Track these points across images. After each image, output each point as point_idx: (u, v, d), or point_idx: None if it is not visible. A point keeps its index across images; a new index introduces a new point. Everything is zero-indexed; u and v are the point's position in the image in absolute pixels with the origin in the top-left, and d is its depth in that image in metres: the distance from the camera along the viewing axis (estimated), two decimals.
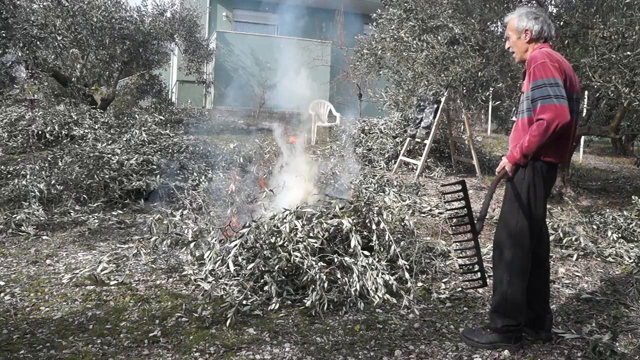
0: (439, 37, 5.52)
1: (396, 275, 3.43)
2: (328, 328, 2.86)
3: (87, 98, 9.80)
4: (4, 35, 6.26)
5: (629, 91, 4.53)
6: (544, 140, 2.46)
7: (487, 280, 2.94)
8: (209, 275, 3.39)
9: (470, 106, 6.44)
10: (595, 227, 4.82)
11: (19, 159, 6.95)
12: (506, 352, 2.63)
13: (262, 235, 3.37)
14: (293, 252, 3.22)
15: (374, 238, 3.62)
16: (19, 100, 9.82)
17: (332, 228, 3.57)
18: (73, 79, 9.68)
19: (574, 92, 2.59)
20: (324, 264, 3.33)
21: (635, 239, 4.61)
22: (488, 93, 5.94)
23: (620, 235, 4.65)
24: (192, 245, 3.71)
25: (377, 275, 3.32)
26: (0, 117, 8.31)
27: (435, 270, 3.79)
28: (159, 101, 11.62)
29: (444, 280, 3.62)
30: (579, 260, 4.16)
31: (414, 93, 7.22)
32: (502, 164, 2.65)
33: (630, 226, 4.76)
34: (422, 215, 5.41)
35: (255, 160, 6.58)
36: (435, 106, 7.62)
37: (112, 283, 3.37)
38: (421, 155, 7.67)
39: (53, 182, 5.22)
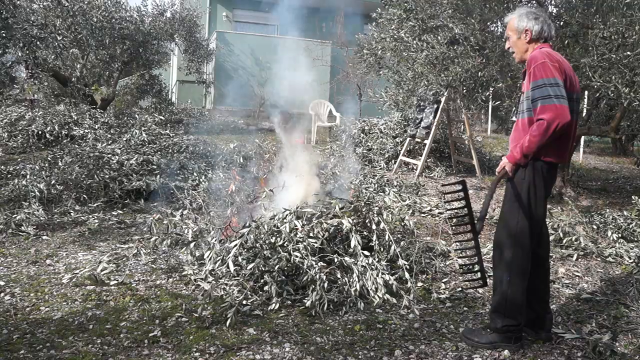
0: (439, 37, 5.52)
1: (396, 275, 3.43)
2: (328, 328, 2.86)
3: (87, 98, 9.80)
4: (4, 35, 6.26)
5: (629, 91, 4.53)
6: (545, 140, 2.46)
7: (487, 280, 2.94)
8: (209, 275, 3.39)
9: (470, 106, 6.45)
10: (595, 227, 4.82)
11: (19, 159, 6.95)
12: (506, 352, 2.63)
13: (262, 235, 3.37)
14: (293, 252, 3.22)
15: (374, 238, 3.62)
16: (19, 100, 9.82)
17: (332, 228, 3.57)
18: (73, 79, 9.68)
19: (574, 92, 2.59)
20: (324, 264, 3.33)
21: (635, 239, 4.60)
22: (488, 93, 5.94)
23: (620, 235, 4.65)
24: (192, 245, 3.71)
25: (377, 275, 3.32)
26: (0, 117, 8.31)
27: (435, 270, 3.79)
28: (159, 101, 11.63)
29: (444, 280, 3.62)
30: (579, 260, 4.16)
31: (414, 93, 7.22)
32: (502, 164, 2.65)
33: (630, 226, 4.76)
34: (422, 215, 5.41)
35: (256, 160, 6.58)
36: (435, 106, 7.62)
37: (112, 283, 3.37)
38: (421, 155, 7.67)
39: (53, 182, 5.22)
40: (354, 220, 3.66)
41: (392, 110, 8.34)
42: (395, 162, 8.02)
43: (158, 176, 5.64)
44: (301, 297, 3.14)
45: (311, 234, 3.44)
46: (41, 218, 4.58)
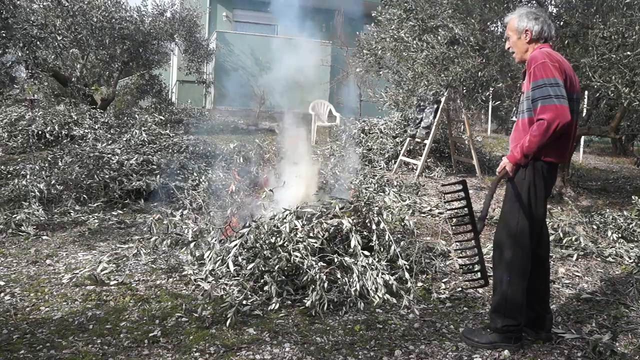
0: (439, 37, 5.52)
1: (396, 275, 3.43)
2: (328, 328, 2.86)
3: (87, 98, 9.80)
4: (4, 35, 6.26)
5: (629, 91, 4.53)
6: (545, 140, 2.46)
7: (489, 279, 2.94)
8: (209, 275, 3.39)
9: (470, 106, 6.45)
10: (595, 227, 4.82)
11: (19, 159, 6.95)
12: (506, 352, 2.63)
13: (262, 235, 3.37)
14: (293, 252, 3.22)
15: (374, 238, 3.62)
16: (19, 100, 9.82)
17: (332, 228, 3.57)
18: (73, 79, 9.68)
19: (574, 92, 2.59)
20: (324, 264, 3.33)
21: (635, 239, 4.60)
22: (488, 93, 5.94)
23: (620, 235, 4.65)
24: (192, 245, 3.71)
25: (377, 275, 3.32)
26: (0, 117, 8.31)
27: (435, 270, 3.79)
28: (159, 101, 11.62)
29: (444, 280, 3.62)
30: (579, 260, 4.16)
31: (414, 93, 7.22)
32: (503, 164, 2.65)
33: (630, 226, 4.76)
34: (422, 215, 5.41)
35: (256, 160, 6.58)
36: (435, 106, 7.62)
37: (112, 283, 3.37)
38: (421, 155, 7.67)
39: (53, 182, 5.22)
40: (354, 220, 3.66)
41: (392, 110, 8.34)
42: (395, 162, 8.02)
43: (158, 176, 5.63)
44: (301, 297, 3.14)
45: (311, 234, 3.44)
46: (41, 218, 4.58)
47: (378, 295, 3.22)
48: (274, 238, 3.35)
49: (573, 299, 3.41)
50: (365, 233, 3.71)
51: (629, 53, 4.54)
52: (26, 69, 8.45)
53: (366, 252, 3.45)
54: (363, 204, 3.83)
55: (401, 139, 8.34)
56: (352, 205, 3.79)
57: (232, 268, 3.23)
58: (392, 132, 8.70)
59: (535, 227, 2.66)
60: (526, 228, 2.61)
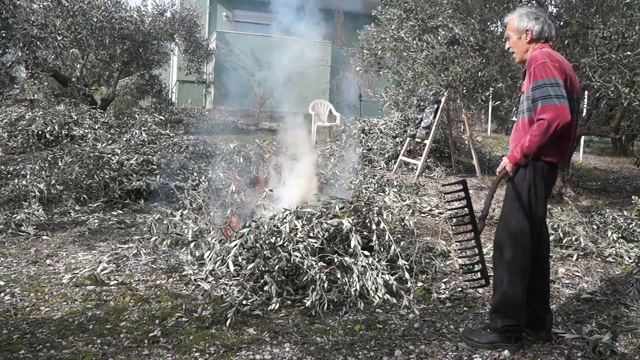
0: (439, 37, 5.52)
1: (396, 275, 3.43)
2: (328, 328, 2.86)
3: (87, 98, 9.80)
4: (4, 35, 6.26)
5: (629, 91, 4.53)
6: (545, 140, 2.46)
7: (489, 279, 2.94)
8: (209, 275, 3.39)
9: (470, 106, 6.45)
10: (595, 227, 4.82)
11: (19, 159, 6.95)
12: (506, 352, 2.63)
13: (262, 235, 3.37)
14: (293, 252, 3.22)
15: (374, 238, 3.62)
16: (19, 100, 9.82)
17: (332, 228, 3.57)
18: (73, 79, 9.68)
19: (574, 92, 2.59)
20: (324, 264, 3.33)
21: (635, 239, 4.60)
22: (488, 93, 5.94)
23: (620, 235, 4.65)
24: (192, 245, 3.71)
25: (377, 275, 3.32)
26: (0, 117, 8.31)
27: (435, 270, 3.79)
28: (159, 101, 11.63)
29: (444, 280, 3.62)
30: (579, 260, 4.16)
31: (414, 93, 7.22)
32: (503, 164, 2.65)
33: (630, 226, 4.76)
34: (422, 215, 5.41)
35: (256, 160, 6.58)
36: (435, 106, 7.62)
37: (112, 283, 3.37)
38: (421, 155, 7.67)
39: (53, 182, 5.22)
40: (354, 220, 3.66)
41: (392, 110, 8.34)
42: (395, 162, 8.02)
43: (158, 176, 5.64)
44: (301, 297, 3.14)
45: (311, 234, 3.44)
46: (41, 218, 4.58)
47: (378, 295, 3.22)
48: (274, 238, 3.35)
49: (573, 299, 3.41)
50: (365, 233, 3.71)
51: (629, 53, 4.54)
52: (26, 69, 8.45)
53: (366, 252, 3.45)
54: (363, 204, 3.83)
55: (401, 139, 8.34)
56: (352, 205, 3.79)
57: (232, 268, 3.23)
58: (392, 132, 8.70)
59: (536, 227, 2.66)
60: (526, 228, 2.61)
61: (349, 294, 3.16)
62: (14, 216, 4.48)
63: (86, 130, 7.40)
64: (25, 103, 9.46)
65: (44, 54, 8.21)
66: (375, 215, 3.76)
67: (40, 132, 7.61)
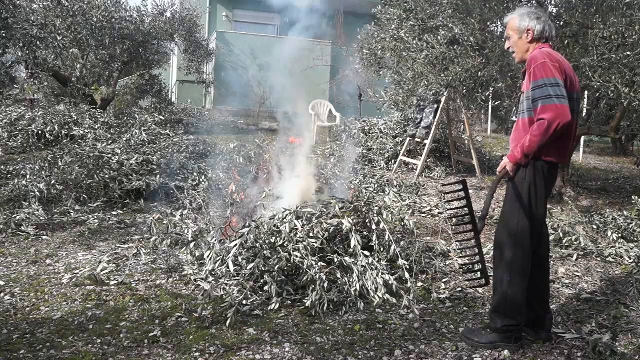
0: (439, 37, 5.52)
1: (396, 275, 3.43)
2: (328, 328, 2.86)
3: (87, 98, 9.80)
4: (4, 35, 6.26)
5: (629, 91, 4.53)
6: (545, 140, 2.46)
7: (489, 278, 2.94)
8: (209, 275, 3.39)
9: (470, 106, 6.45)
10: (595, 227, 4.82)
11: (19, 159, 6.95)
12: (506, 352, 2.63)
13: (262, 235, 3.37)
14: (293, 252, 3.22)
15: (374, 238, 3.62)
16: (19, 100, 9.81)
17: (332, 228, 3.57)
18: (73, 79, 9.67)
19: (574, 92, 2.59)
20: (324, 264, 3.33)
21: (635, 239, 4.60)
22: (488, 93, 5.94)
23: (620, 235, 4.65)
24: (192, 245, 3.71)
25: (377, 275, 3.32)
26: (0, 117, 8.31)
27: (435, 270, 3.79)
28: (159, 101, 11.62)
29: (444, 280, 3.62)
30: (579, 260, 4.16)
31: (414, 93, 7.22)
32: (503, 164, 2.66)
33: (630, 226, 4.76)
34: (422, 215, 5.41)
35: (256, 160, 6.58)
36: (435, 106, 7.62)
37: (112, 283, 3.37)
38: (421, 155, 7.67)
39: (53, 182, 5.22)
40: (354, 220, 3.66)
41: (392, 110, 8.34)
42: (395, 162, 8.02)
43: (158, 176, 5.64)
44: (301, 297, 3.14)
45: (311, 234, 3.44)
46: (41, 218, 4.58)
47: (378, 295, 3.22)
48: (274, 238, 3.35)
49: (573, 299, 3.41)
50: (365, 233, 3.71)
51: (629, 53, 4.54)
52: (26, 69, 8.44)
53: (366, 252, 3.45)
54: (363, 204, 3.83)
55: (401, 139, 8.34)
56: (352, 205, 3.79)
57: (232, 268, 3.23)
58: (392, 132, 8.70)
59: (536, 227, 2.66)
60: (527, 228, 2.61)
61: (349, 294, 3.16)
62: (14, 216, 4.48)
63: (86, 130, 7.40)
64: (25, 103, 9.46)
65: (44, 54, 8.21)
66: (375, 215, 3.76)
67: (40, 132, 7.61)
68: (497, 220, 3.60)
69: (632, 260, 4.09)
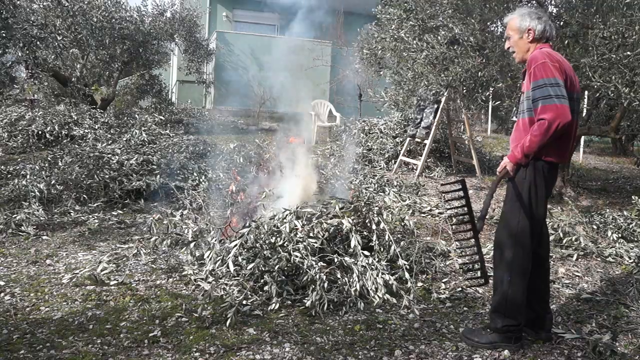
0: (439, 37, 5.52)
1: (396, 275, 3.43)
2: (328, 328, 2.86)
3: (87, 98, 9.80)
4: (4, 35, 6.26)
5: (629, 91, 4.53)
6: (546, 140, 2.46)
7: (489, 278, 2.94)
8: (209, 275, 3.39)
9: (470, 106, 6.44)
10: (595, 227, 4.82)
11: (19, 159, 6.95)
12: (506, 352, 2.63)
13: (262, 235, 3.37)
14: (293, 252, 3.22)
15: (374, 238, 3.62)
16: (19, 100, 9.81)
17: (332, 228, 3.57)
18: (73, 79, 9.67)
19: (574, 92, 2.59)
20: (324, 264, 3.33)
21: (635, 239, 4.60)
22: (488, 93, 5.94)
23: (620, 235, 4.65)
24: (192, 245, 3.71)
25: (377, 275, 3.32)
26: (0, 117, 8.31)
27: (435, 270, 3.79)
28: (159, 101, 11.62)
29: (444, 280, 3.62)
30: (579, 260, 4.16)
31: (414, 93, 7.22)
32: (503, 164, 2.66)
33: (630, 226, 4.76)
34: (422, 215, 5.41)
35: (255, 160, 6.58)
36: (435, 106, 7.62)
37: (112, 283, 3.37)
38: (421, 155, 7.67)
39: (53, 182, 5.22)
40: (354, 220, 3.66)
41: (392, 110, 8.33)
42: (395, 162, 8.02)
43: (158, 176, 5.64)
44: (301, 297, 3.14)
45: (311, 234, 3.44)
46: (41, 218, 4.58)
47: (378, 295, 3.22)
48: (274, 238, 3.35)
49: (573, 299, 3.41)
50: (365, 233, 3.71)
51: (629, 53, 4.53)
52: (26, 69, 8.44)
53: (366, 252, 3.45)
54: (363, 204, 3.83)
55: (401, 139, 8.34)
56: (352, 205, 3.79)
57: (232, 268, 3.23)
58: (392, 132, 8.70)
59: (536, 227, 2.66)
60: (527, 228, 2.61)
61: (349, 294, 3.17)
62: (14, 216, 4.48)
63: (86, 130, 7.40)
64: (25, 103, 9.46)
65: (44, 54, 8.21)
66: (375, 215, 3.76)
67: (40, 132, 7.60)
68: (497, 220, 3.61)
69: (632, 260, 4.09)
